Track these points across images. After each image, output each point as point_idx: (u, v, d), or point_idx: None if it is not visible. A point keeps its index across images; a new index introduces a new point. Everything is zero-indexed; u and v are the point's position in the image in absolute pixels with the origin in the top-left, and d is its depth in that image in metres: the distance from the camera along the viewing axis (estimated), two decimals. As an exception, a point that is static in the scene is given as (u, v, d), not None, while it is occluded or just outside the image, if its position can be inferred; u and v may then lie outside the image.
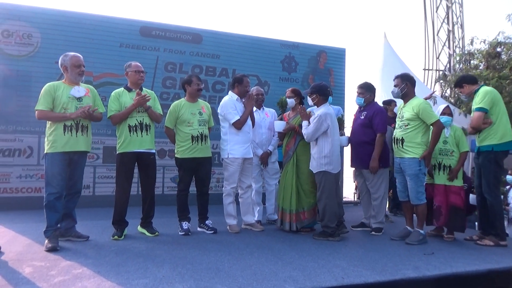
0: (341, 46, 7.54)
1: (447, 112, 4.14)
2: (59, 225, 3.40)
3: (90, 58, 5.43)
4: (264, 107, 4.77)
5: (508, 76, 9.12)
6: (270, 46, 6.92)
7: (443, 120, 4.03)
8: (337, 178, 4.04)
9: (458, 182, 4.07)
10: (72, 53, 3.49)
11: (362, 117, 4.28)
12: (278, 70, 6.96)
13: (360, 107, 4.40)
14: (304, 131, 3.96)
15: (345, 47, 7.55)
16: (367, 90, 4.32)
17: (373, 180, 4.27)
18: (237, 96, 4.23)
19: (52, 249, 3.16)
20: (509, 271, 3.16)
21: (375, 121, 4.15)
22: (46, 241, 3.26)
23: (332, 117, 3.93)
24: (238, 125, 4.09)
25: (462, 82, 4.19)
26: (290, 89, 4.50)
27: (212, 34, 6.59)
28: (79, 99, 3.46)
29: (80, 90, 3.49)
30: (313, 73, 7.19)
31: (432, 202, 4.09)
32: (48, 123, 3.42)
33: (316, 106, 4.09)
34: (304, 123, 3.99)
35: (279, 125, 4.28)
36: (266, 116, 4.67)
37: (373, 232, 4.28)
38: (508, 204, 5.32)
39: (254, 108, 4.65)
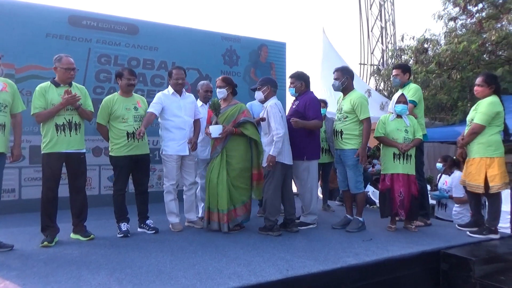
0: (282, 40, 7.60)
1: (402, 100, 3.98)
2: (-24, 235, 3.04)
3: (12, 49, 4.93)
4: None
5: (434, 70, 9.85)
6: (210, 39, 6.75)
7: (399, 109, 3.98)
8: (287, 171, 3.94)
9: (414, 171, 4.05)
10: None
11: (294, 107, 4.17)
12: (219, 64, 6.81)
13: (295, 98, 4.27)
14: (274, 133, 3.74)
15: (286, 41, 7.60)
16: (297, 79, 4.16)
17: (297, 171, 4.13)
18: (173, 90, 4.06)
19: (-33, 263, 2.81)
20: (438, 252, 3.41)
21: (309, 113, 3.97)
22: (-39, 254, 2.89)
23: (279, 107, 3.89)
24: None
25: (409, 70, 4.62)
26: (220, 78, 4.07)
27: (149, 25, 6.27)
28: (-5, 94, 3.10)
29: (-4, 84, 3.13)
30: (254, 66, 7.16)
31: (390, 192, 3.98)
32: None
33: (264, 98, 3.98)
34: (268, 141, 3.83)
35: (216, 130, 3.78)
36: None
37: (293, 228, 3.98)
38: (437, 189, 5.73)
39: (200, 103, 4.52)
